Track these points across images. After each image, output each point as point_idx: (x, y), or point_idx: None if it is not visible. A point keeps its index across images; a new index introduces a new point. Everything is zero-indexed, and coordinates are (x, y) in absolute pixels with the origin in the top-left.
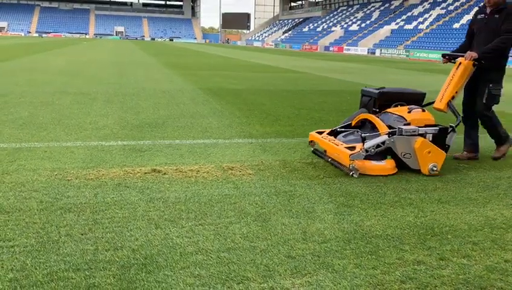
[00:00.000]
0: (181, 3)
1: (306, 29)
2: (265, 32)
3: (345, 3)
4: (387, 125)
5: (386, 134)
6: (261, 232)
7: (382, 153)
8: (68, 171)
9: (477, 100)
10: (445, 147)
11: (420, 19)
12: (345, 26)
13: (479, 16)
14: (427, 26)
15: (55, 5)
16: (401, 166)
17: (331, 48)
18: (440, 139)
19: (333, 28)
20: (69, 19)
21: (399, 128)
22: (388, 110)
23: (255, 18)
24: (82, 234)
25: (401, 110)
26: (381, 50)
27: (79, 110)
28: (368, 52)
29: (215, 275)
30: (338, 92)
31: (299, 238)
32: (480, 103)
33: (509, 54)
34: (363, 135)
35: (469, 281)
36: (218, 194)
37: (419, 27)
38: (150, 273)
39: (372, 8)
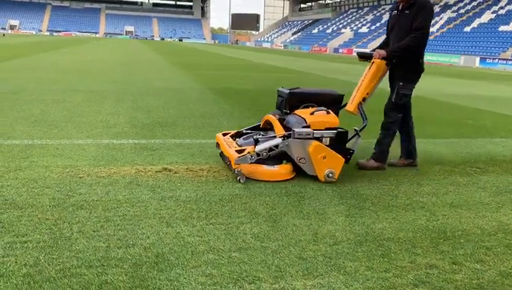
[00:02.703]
0: (191, 3)
1: (315, 30)
2: (274, 34)
3: (355, 6)
4: (289, 128)
5: (281, 137)
6: (272, 232)
7: (279, 157)
8: (80, 169)
9: (389, 97)
10: (347, 152)
11: None
12: (355, 28)
13: (393, 13)
14: (438, 30)
15: (66, 4)
16: (301, 171)
17: (340, 50)
18: (339, 143)
19: (343, 30)
20: (79, 18)
21: (293, 130)
22: (296, 111)
23: (265, 19)
24: (94, 231)
25: (305, 112)
26: None
27: (90, 108)
28: None
29: (226, 274)
30: (346, 94)
31: (310, 239)
32: (389, 101)
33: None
34: (255, 137)
35: (482, 286)
36: (229, 193)
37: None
38: (161, 271)
39: (382, 11)
